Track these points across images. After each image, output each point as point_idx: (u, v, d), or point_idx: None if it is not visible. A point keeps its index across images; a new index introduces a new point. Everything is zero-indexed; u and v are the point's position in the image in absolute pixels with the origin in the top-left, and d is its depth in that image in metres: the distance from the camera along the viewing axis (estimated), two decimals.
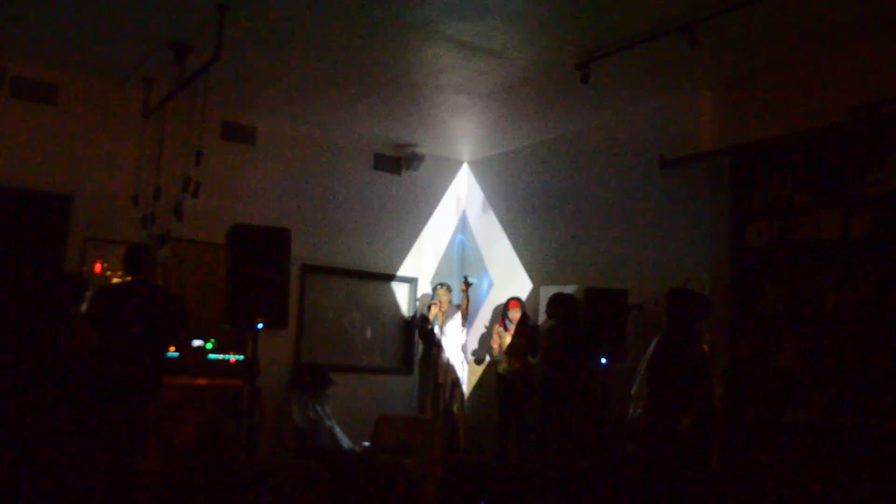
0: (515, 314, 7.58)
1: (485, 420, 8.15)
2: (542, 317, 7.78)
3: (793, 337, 5.48)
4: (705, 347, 5.47)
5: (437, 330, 7.99)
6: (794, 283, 5.56)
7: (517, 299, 7.70)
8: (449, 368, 7.95)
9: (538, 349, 7.42)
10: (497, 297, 8.42)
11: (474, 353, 8.57)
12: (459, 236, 9.22)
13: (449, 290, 8.14)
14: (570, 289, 7.39)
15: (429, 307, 8.17)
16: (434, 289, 8.31)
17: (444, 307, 8.04)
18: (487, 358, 8.31)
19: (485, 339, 8.42)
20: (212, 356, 6.94)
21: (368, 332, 8.62)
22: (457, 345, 8.09)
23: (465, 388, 8.32)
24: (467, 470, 7.30)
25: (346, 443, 7.28)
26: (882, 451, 4.86)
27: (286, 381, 7.62)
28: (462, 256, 9.17)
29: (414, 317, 8.65)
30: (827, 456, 5.12)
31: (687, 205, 6.51)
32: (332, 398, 7.57)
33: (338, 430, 7.32)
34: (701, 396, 5.24)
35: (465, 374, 8.32)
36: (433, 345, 7.99)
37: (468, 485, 6.83)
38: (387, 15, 5.37)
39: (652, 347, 5.55)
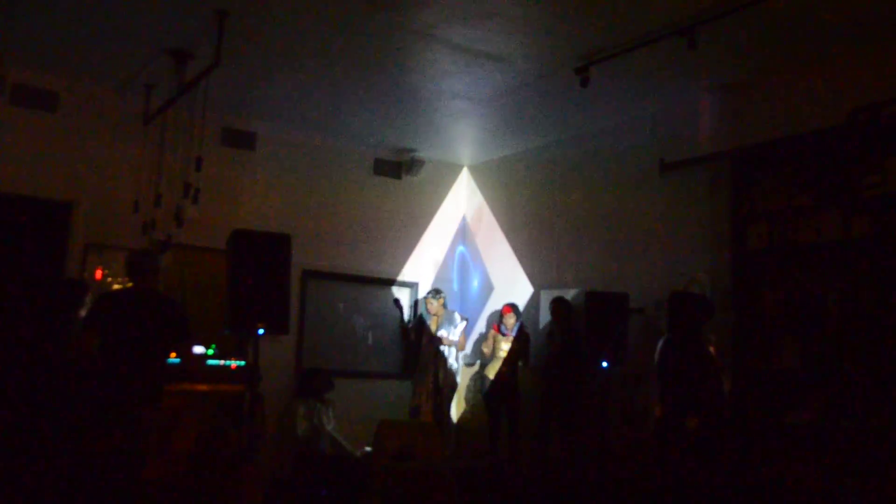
0: (510, 320, 7.60)
1: (475, 425, 8.17)
2: (543, 321, 7.79)
3: (793, 339, 5.48)
4: (711, 348, 5.46)
5: (441, 333, 7.99)
6: (794, 286, 5.55)
7: (511, 305, 7.71)
8: (449, 374, 7.96)
9: (529, 356, 7.47)
10: (496, 303, 8.42)
11: (465, 357, 8.56)
12: (460, 247, 9.20)
13: (436, 296, 8.13)
14: (570, 293, 7.40)
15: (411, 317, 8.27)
16: (424, 298, 8.30)
17: (439, 314, 8.04)
18: (478, 362, 8.31)
19: (478, 345, 8.45)
20: (213, 362, 6.93)
21: (369, 338, 8.61)
22: (450, 352, 8.10)
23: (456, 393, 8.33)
24: (466, 474, 7.29)
25: (347, 448, 7.26)
26: (883, 452, 4.86)
27: (292, 388, 7.62)
28: (462, 265, 9.16)
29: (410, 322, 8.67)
30: (828, 457, 5.11)
31: (687, 208, 6.51)
32: (335, 403, 7.56)
33: (340, 436, 7.31)
34: (710, 397, 5.24)
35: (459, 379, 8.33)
36: (422, 347, 8.01)
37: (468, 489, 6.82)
38: (386, 20, 5.38)
39: (658, 350, 5.55)
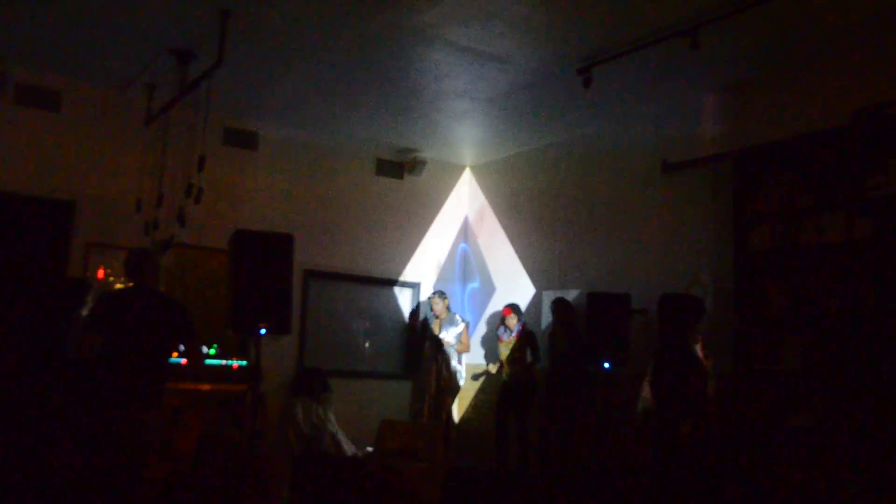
0: (511, 321, 7.58)
1: (479, 426, 8.15)
2: (544, 322, 7.78)
3: (795, 340, 5.47)
4: (698, 347, 5.44)
5: (442, 335, 7.99)
6: (796, 287, 5.54)
7: (511, 307, 7.69)
8: (451, 376, 7.95)
9: (538, 354, 7.44)
10: (497, 304, 8.41)
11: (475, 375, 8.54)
12: (462, 245, 9.20)
13: (443, 297, 8.13)
14: (572, 293, 7.39)
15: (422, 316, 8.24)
16: (429, 298, 8.28)
17: (442, 315, 8.05)
18: (485, 367, 8.29)
19: (485, 348, 8.44)
20: (215, 361, 6.93)
21: (371, 338, 8.61)
22: (452, 353, 8.09)
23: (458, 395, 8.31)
24: (470, 476, 7.28)
25: (349, 448, 7.26)
26: (884, 454, 4.85)
27: (289, 386, 7.62)
28: (464, 266, 9.16)
29: (414, 322, 8.67)
30: (829, 459, 5.10)
31: (689, 208, 6.51)
32: (335, 403, 7.56)
33: (341, 436, 7.31)
34: (698, 399, 5.22)
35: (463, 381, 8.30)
36: (429, 349, 7.99)
37: (471, 491, 6.81)
38: (389, 20, 5.38)
39: (654, 353, 5.53)
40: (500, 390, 7.62)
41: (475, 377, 8.42)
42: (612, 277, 7.06)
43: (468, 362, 8.46)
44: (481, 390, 8.40)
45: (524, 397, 7.39)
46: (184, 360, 5.86)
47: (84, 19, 5.64)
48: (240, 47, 5.74)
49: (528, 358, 7.45)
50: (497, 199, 8.87)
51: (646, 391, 5.65)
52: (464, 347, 8.12)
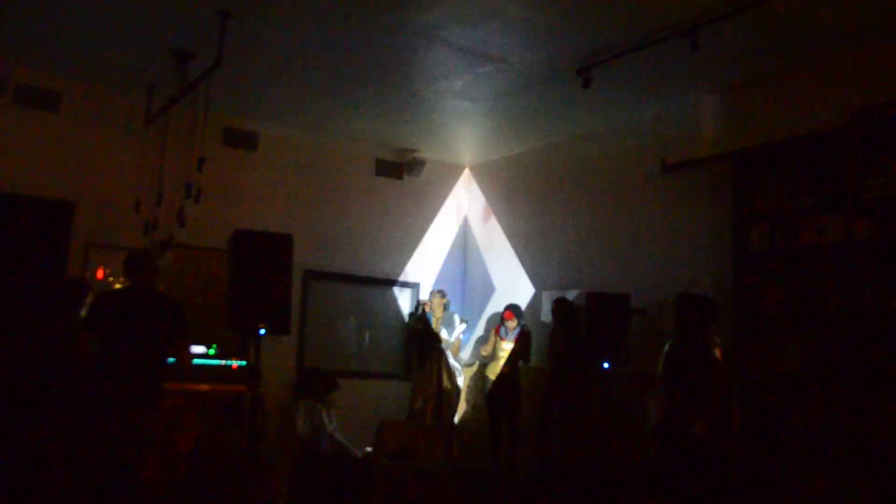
0: (511, 324, 7.59)
1: (475, 425, 8.16)
2: (544, 322, 7.78)
3: (795, 341, 5.47)
4: (717, 351, 5.45)
5: (443, 334, 7.99)
6: (796, 288, 5.54)
7: (512, 310, 7.69)
8: (452, 375, 7.95)
9: (529, 355, 7.47)
10: (497, 304, 8.41)
11: (461, 360, 8.52)
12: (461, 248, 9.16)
13: (443, 296, 8.13)
14: (572, 293, 7.39)
15: (422, 313, 8.19)
16: (431, 294, 8.27)
17: (438, 314, 8.04)
18: (477, 363, 8.28)
19: (477, 346, 8.45)
20: (214, 362, 6.93)
21: (370, 338, 8.61)
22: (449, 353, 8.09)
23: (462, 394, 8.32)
24: (470, 476, 7.29)
25: (348, 448, 7.26)
26: (885, 455, 4.85)
27: (293, 387, 7.61)
28: (463, 268, 9.16)
29: (411, 320, 8.66)
30: (829, 461, 5.10)
31: (689, 209, 6.51)
32: (336, 404, 7.56)
33: (340, 436, 7.31)
34: (715, 401, 5.22)
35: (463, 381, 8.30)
36: (430, 349, 7.97)
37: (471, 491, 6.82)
38: (388, 21, 5.38)
39: (664, 353, 5.53)
40: (489, 390, 7.65)
41: (468, 365, 8.44)
42: (612, 277, 7.06)
43: (466, 362, 8.46)
44: (480, 390, 8.39)
45: (511, 397, 7.43)
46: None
47: (84, 19, 5.64)
48: (239, 48, 5.74)
49: (520, 361, 7.50)
50: (496, 199, 8.87)
51: (652, 404, 5.65)
52: (454, 350, 8.12)
